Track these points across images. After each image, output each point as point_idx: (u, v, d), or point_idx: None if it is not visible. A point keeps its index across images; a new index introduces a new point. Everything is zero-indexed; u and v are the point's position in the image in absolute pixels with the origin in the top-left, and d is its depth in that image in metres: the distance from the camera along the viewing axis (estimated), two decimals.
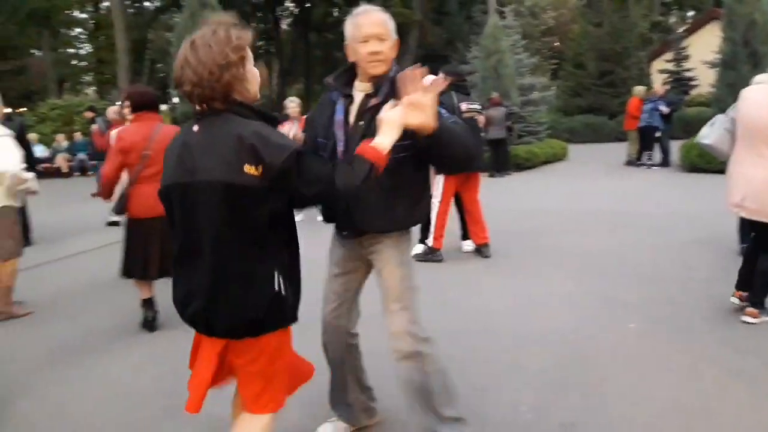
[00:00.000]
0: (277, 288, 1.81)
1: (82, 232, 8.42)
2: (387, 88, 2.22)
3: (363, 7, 2.30)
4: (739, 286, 4.00)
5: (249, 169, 1.68)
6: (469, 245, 6.11)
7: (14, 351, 4.01)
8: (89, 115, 12.28)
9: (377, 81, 2.25)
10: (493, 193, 10.31)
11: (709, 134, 3.99)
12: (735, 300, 4.01)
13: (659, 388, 3.01)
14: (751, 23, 11.79)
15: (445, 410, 2.37)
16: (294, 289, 1.91)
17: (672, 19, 38.37)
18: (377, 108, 2.12)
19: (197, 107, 1.79)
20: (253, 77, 1.86)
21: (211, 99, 1.75)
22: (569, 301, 4.41)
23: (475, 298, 4.61)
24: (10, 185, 4.38)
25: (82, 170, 17.67)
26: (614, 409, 2.82)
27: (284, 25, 43.15)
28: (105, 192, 4.16)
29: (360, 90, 2.31)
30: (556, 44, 37.11)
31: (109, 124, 12.31)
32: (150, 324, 4.22)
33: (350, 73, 2.35)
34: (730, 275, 4.80)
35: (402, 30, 22.21)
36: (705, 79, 20.49)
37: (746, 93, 3.86)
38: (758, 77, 5.19)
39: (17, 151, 4.41)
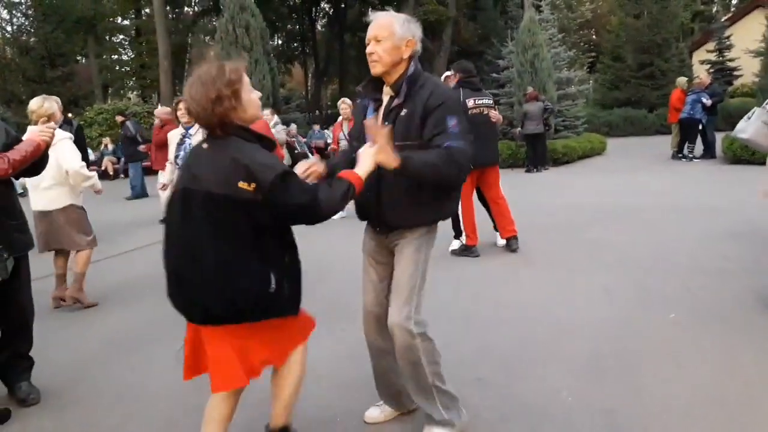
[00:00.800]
0: (274, 285, 2.11)
1: (131, 230, 8.77)
2: (405, 89, 2.37)
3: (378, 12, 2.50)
4: None
5: (243, 185, 1.99)
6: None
7: (77, 339, 4.27)
8: (120, 119, 12.72)
9: (397, 83, 2.40)
10: (531, 188, 10.33)
11: (746, 128, 3.94)
12: None
13: (697, 378, 3.05)
14: None
15: (439, 402, 2.52)
16: (291, 286, 2.24)
17: (714, 8, 37.26)
18: (399, 108, 2.37)
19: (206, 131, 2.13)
20: (249, 103, 2.12)
21: (209, 127, 2.09)
22: (606, 293, 4.44)
23: (513, 291, 4.69)
24: (74, 184, 4.68)
25: (126, 172, 18.28)
26: (652, 397, 2.87)
27: (319, 26, 43.54)
28: None
29: (386, 93, 2.49)
30: (593, 37, 36.52)
31: (139, 128, 12.81)
32: None
33: (378, 79, 2.48)
34: None
35: (436, 27, 22.25)
36: (749, 69, 19.93)
37: None
38: None
39: (77, 152, 4.69)
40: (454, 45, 31.72)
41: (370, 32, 2.38)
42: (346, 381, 3.28)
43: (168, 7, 32.88)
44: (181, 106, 5.41)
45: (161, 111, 9.91)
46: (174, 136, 5.61)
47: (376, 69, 2.37)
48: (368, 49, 2.37)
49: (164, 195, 8.27)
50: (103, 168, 18.22)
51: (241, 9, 15.05)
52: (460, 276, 5.24)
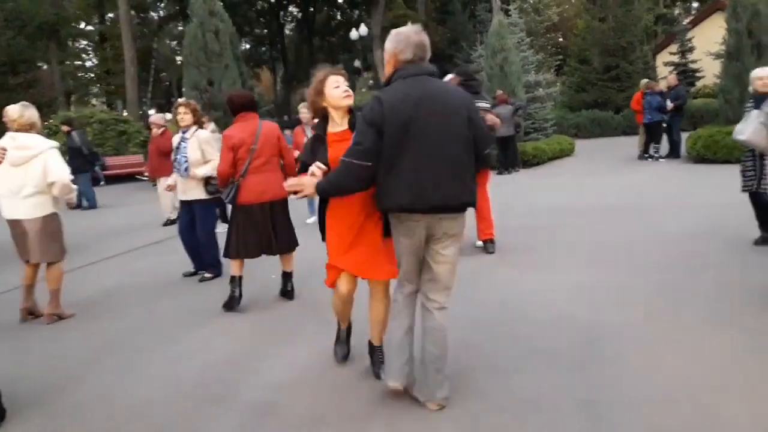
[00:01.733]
0: None
1: (112, 237, 8.62)
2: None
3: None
4: None
5: None
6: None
7: (65, 348, 4.19)
8: (65, 129, 12.37)
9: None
10: (503, 189, 10.46)
11: (744, 130, 4.08)
12: None
13: (670, 368, 3.16)
14: (756, 14, 11.84)
15: None
16: None
17: (677, 11, 38.30)
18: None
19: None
20: (330, 97, 3.12)
21: (316, 114, 3.29)
22: (580, 290, 4.55)
23: (491, 290, 4.75)
24: (59, 194, 4.64)
25: (93, 180, 17.95)
26: (631, 387, 2.97)
27: (287, 30, 43.43)
28: (221, 183, 4.78)
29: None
30: (560, 40, 37.15)
31: (85, 138, 12.60)
32: (235, 300, 4.70)
33: None
34: (736, 262, 4.96)
35: None
36: (710, 71, 20.53)
37: None
38: (755, 72, 5.35)
39: (64, 163, 4.65)
40: None
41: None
42: (335, 383, 3.29)
43: (133, 12, 32.43)
44: (180, 109, 5.46)
45: (157, 117, 9.71)
46: (175, 140, 5.65)
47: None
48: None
49: (170, 195, 8.16)
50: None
51: (210, 14, 14.90)
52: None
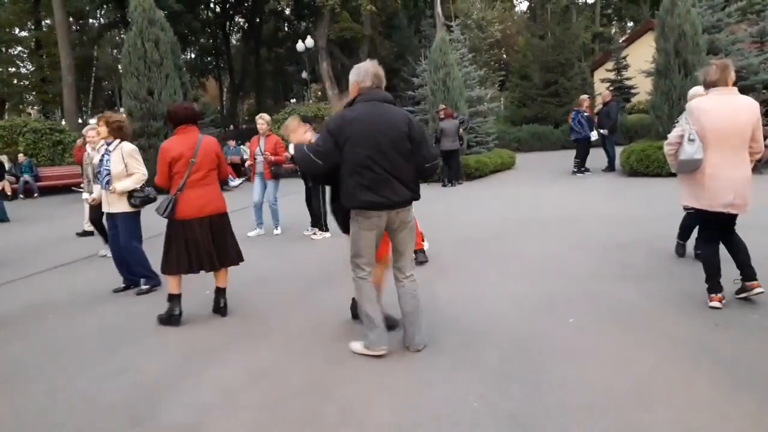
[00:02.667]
0: None
1: (38, 252, 8.25)
2: None
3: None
4: (712, 290, 4.27)
5: None
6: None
7: None
8: None
9: None
10: (446, 202, 10.61)
11: (698, 149, 4.06)
12: (716, 305, 4.20)
13: (595, 376, 3.24)
14: (681, 34, 12.44)
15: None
16: None
17: (613, 30, 39.91)
18: None
19: None
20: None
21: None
22: (513, 301, 4.63)
23: (427, 301, 4.76)
24: None
25: (27, 192, 17.19)
26: (553, 398, 3.03)
27: (234, 40, 42.93)
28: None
29: None
30: (503, 56, 38.13)
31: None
32: (175, 318, 4.62)
33: None
34: (663, 272, 5.15)
35: (353, 45, 22.49)
36: (644, 87, 21.42)
37: (703, 105, 4.08)
38: (693, 90, 5.54)
39: None
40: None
41: None
42: (261, 402, 3.23)
43: (71, 19, 31.41)
44: (94, 123, 5.63)
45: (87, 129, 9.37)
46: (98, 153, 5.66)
47: None
48: None
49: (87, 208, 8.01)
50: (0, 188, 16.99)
51: (150, 23, 14.61)
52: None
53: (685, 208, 5.24)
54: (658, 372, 3.24)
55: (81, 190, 6.88)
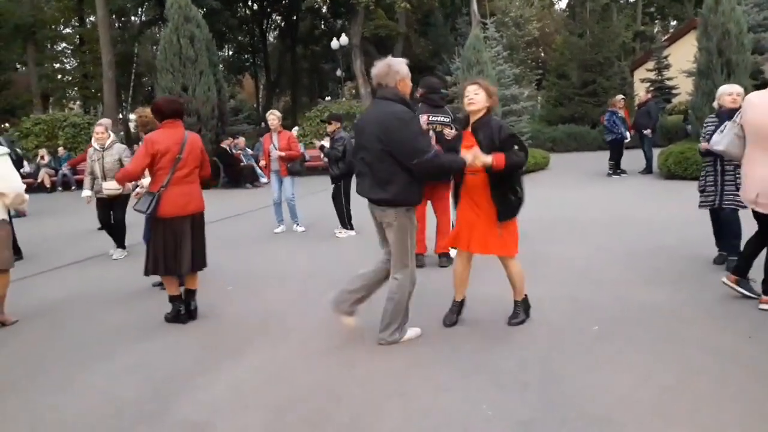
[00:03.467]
0: None
1: (66, 246, 8.43)
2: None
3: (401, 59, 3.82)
4: (735, 271, 4.37)
5: None
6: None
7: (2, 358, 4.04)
8: None
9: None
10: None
11: (721, 140, 4.16)
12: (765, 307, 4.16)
13: (616, 387, 3.10)
14: (725, 33, 12.00)
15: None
16: None
17: (655, 29, 38.89)
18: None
19: None
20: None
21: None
22: (539, 304, 4.47)
23: (448, 303, 4.67)
24: (11, 203, 4.56)
25: (65, 185, 17.64)
26: (570, 407, 2.91)
27: (271, 37, 43.33)
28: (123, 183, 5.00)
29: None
30: (541, 55, 37.56)
31: (10, 143, 12.33)
32: (183, 315, 4.55)
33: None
34: (697, 280, 4.93)
35: (387, 42, 22.43)
36: (685, 88, 20.78)
37: (753, 99, 4.03)
38: (722, 88, 5.36)
39: (16, 171, 4.55)
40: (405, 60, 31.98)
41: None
42: (272, 403, 3.18)
43: (114, 17, 32.15)
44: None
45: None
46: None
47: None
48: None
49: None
50: (39, 180, 17.51)
51: (185, 20, 14.80)
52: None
53: None
54: (685, 385, 3.08)
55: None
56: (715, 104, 5.41)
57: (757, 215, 4.20)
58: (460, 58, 16.29)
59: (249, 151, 16.94)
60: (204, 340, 4.20)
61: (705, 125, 5.38)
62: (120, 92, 34.95)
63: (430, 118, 5.62)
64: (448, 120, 5.67)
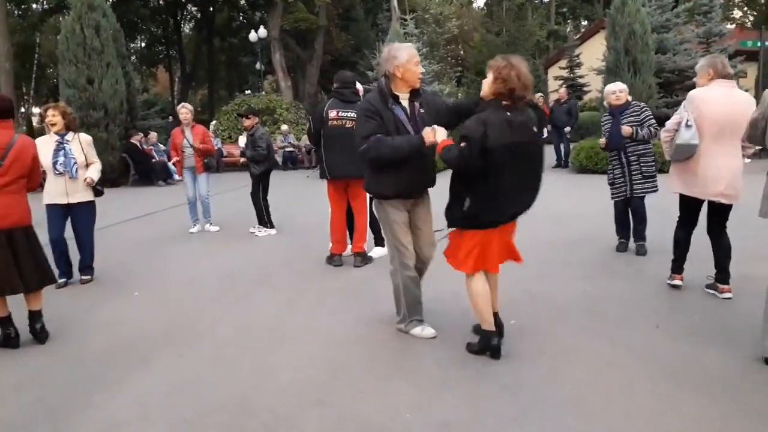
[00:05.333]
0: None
1: None
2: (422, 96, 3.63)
3: (405, 44, 3.58)
4: (677, 270, 4.52)
5: None
6: (378, 251, 6.04)
7: None
8: None
9: (415, 91, 3.57)
10: None
11: (694, 135, 4.08)
12: (677, 282, 4.49)
13: (533, 382, 3.11)
14: (631, 33, 12.60)
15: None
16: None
17: (567, 28, 40.44)
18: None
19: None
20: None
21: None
22: (455, 301, 4.45)
23: (363, 305, 4.58)
24: None
25: None
26: (488, 406, 2.88)
27: (187, 29, 41.78)
28: None
29: (404, 98, 3.53)
30: (460, 52, 38.19)
31: None
32: (13, 341, 3.97)
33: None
34: (606, 270, 5.08)
35: (308, 36, 22.00)
36: (595, 85, 21.70)
37: (702, 95, 4.13)
38: (609, 87, 5.66)
39: None
40: (326, 54, 31.69)
41: (418, 57, 3.54)
42: (180, 418, 2.95)
43: (11, 4, 29.91)
44: (49, 113, 5.30)
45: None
46: (43, 143, 5.20)
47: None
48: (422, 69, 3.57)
49: None
50: None
51: (90, 8, 13.89)
52: (320, 288, 5.09)
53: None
54: (598, 377, 3.14)
55: None
56: (605, 103, 5.75)
57: (715, 210, 4.27)
58: (382, 53, 16.26)
59: (162, 146, 16.22)
60: (104, 352, 3.87)
61: (602, 122, 5.77)
62: (21, 85, 32.61)
63: (339, 113, 5.49)
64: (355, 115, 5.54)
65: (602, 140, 5.64)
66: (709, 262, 4.39)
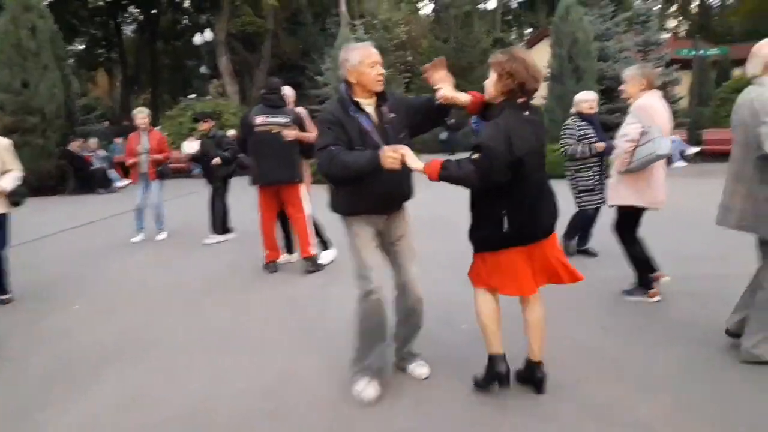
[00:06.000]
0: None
1: None
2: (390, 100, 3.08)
3: (362, 43, 3.07)
4: (648, 285, 4.44)
5: None
6: (327, 256, 6.00)
7: None
8: None
9: (380, 95, 3.03)
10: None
11: (666, 144, 4.05)
12: (666, 279, 4.48)
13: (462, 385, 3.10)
14: (574, 41, 12.98)
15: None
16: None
17: (512, 36, 41.34)
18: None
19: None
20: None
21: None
22: (335, 301, 4.45)
23: (315, 313, 4.52)
24: None
25: None
26: (443, 414, 2.88)
27: (129, 31, 40.57)
28: None
29: (368, 104, 3.01)
30: (408, 58, 38.44)
31: None
32: None
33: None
34: None
35: (255, 40, 21.65)
36: (540, 92, 22.20)
37: (654, 104, 4.13)
38: (579, 95, 5.70)
39: None
40: (274, 58, 31.37)
41: (377, 57, 3.00)
42: (135, 430, 2.83)
43: None
44: None
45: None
46: None
47: (381, 86, 3.01)
48: (380, 70, 2.99)
49: None
50: None
51: (25, 9, 13.30)
52: (271, 296, 5.00)
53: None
54: (547, 380, 3.17)
55: None
56: (573, 110, 5.71)
57: (637, 215, 4.36)
58: (331, 58, 16.21)
59: (102, 152, 15.66)
60: (45, 368, 3.68)
61: (579, 129, 5.55)
62: None
63: (266, 119, 5.45)
64: (286, 120, 5.46)
65: (601, 144, 5.46)
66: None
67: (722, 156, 13.98)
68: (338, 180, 2.97)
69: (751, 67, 3.23)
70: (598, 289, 4.66)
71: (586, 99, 5.61)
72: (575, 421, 2.74)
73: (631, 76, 4.28)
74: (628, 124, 4.16)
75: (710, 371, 3.20)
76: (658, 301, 4.35)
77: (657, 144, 3.96)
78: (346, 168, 2.82)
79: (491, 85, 2.82)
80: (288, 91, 5.83)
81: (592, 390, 3.04)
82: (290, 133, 5.40)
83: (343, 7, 24.21)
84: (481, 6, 39.15)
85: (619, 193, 4.31)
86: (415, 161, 2.68)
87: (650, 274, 4.41)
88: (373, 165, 2.73)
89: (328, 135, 2.91)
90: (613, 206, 4.44)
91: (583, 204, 5.65)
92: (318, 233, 5.96)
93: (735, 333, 3.43)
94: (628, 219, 4.38)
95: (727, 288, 3.99)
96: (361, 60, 2.94)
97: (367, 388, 3.04)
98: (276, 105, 5.51)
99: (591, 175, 5.57)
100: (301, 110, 5.76)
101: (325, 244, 6.07)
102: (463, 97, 2.93)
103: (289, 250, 6.21)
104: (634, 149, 4.09)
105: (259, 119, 5.41)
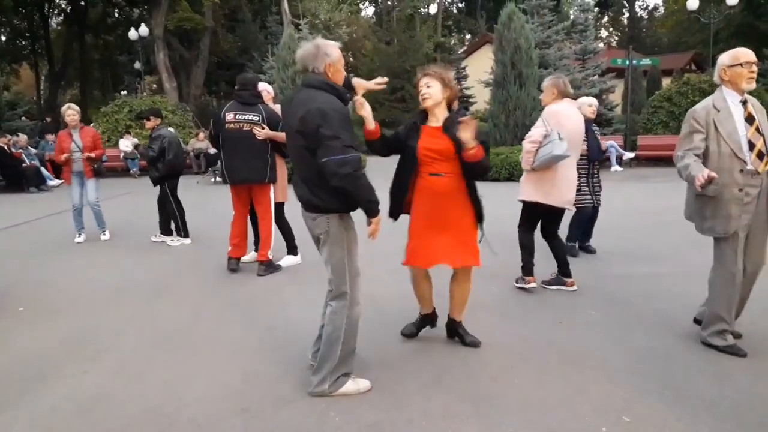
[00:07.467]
0: None
1: None
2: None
3: (333, 42, 3.10)
4: (531, 273, 4.79)
5: None
6: (289, 260, 5.89)
7: None
8: None
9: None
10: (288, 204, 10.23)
11: (569, 147, 4.31)
12: (532, 285, 4.76)
13: (450, 383, 3.17)
14: (517, 48, 13.32)
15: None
16: None
17: (452, 41, 42.04)
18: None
19: None
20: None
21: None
22: (372, 302, 4.40)
23: (272, 314, 4.44)
24: None
25: None
26: (414, 404, 2.91)
27: (54, 23, 38.67)
28: None
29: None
30: (351, 60, 38.44)
31: None
32: None
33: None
34: (515, 273, 5.25)
35: (193, 36, 21.11)
36: (481, 97, 22.75)
37: (565, 111, 4.43)
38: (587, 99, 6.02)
39: None
40: (213, 56, 30.66)
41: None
42: None
43: None
44: None
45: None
46: None
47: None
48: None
49: None
50: None
51: None
52: (226, 297, 4.87)
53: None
54: (510, 376, 3.26)
55: None
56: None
57: (556, 216, 4.70)
58: (275, 57, 15.99)
59: (32, 150, 14.86)
60: None
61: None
62: None
63: (236, 116, 5.31)
64: (257, 119, 5.32)
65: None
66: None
67: (656, 161, 14.73)
68: (342, 190, 2.83)
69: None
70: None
71: (591, 103, 5.94)
72: (539, 413, 2.80)
73: (545, 86, 4.65)
74: (535, 128, 4.50)
75: (666, 360, 3.36)
76: (575, 290, 4.71)
77: (554, 145, 4.26)
78: (366, 192, 2.90)
79: (438, 92, 3.39)
80: (265, 88, 5.70)
81: (552, 379, 3.13)
82: (261, 132, 5.26)
83: (286, 6, 23.98)
84: (423, 10, 39.64)
85: (524, 190, 4.65)
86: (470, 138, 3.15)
87: (531, 266, 4.78)
88: (370, 209, 3.00)
89: (350, 134, 2.83)
90: (520, 201, 4.76)
91: (575, 204, 5.89)
92: (286, 237, 5.84)
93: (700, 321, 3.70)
94: (531, 214, 4.72)
95: (670, 285, 4.19)
96: (338, 58, 3.03)
97: (359, 383, 3.08)
98: (248, 102, 5.35)
99: (578, 177, 5.79)
100: (279, 108, 5.57)
101: (294, 249, 5.92)
102: None
103: (257, 249, 6.01)
104: (537, 150, 4.40)
105: (230, 116, 5.27)
